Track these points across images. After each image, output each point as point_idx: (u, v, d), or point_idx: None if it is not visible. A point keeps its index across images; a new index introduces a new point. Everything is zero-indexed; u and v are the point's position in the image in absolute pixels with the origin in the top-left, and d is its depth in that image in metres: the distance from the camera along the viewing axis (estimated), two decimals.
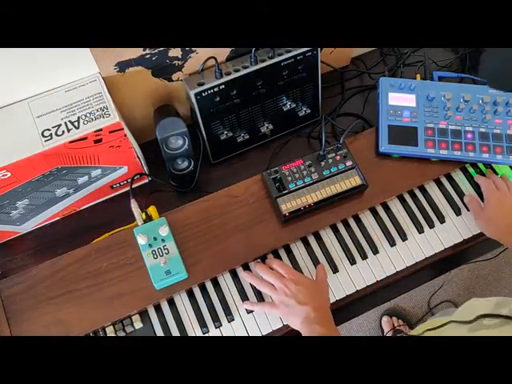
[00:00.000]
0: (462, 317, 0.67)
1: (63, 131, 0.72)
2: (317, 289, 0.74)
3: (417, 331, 0.77)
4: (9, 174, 0.71)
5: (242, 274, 0.80)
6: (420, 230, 0.86)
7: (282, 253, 0.83)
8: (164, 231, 0.76)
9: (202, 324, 0.78)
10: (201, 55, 0.81)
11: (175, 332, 0.77)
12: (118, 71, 0.77)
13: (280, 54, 0.84)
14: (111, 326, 0.76)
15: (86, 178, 0.82)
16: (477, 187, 0.89)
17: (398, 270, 0.83)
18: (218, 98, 0.83)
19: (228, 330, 0.78)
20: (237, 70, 0.82)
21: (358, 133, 0.92)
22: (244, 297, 0.80)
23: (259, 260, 0.82)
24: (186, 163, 0.89)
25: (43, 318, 0.74)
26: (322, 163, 0.84)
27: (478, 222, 0.84)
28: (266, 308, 0.77)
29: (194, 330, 0.78)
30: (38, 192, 0.79)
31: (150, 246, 0.76)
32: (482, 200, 0.86)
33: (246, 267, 0.82)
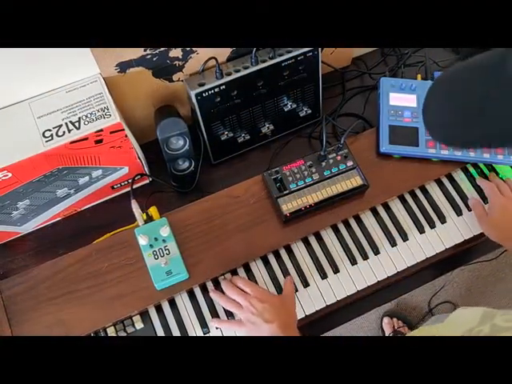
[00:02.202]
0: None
1: (64, 132, 0.72)
2: (282, 305, 0.73)
3: None
4: (10, 175, 0.71)
5: (211, 295, 0.78)
6: (421, 230, 0.86)
7: (283, 253, 0.83)
8: (165, 232, 0.77)
9: (203, 324, 0.78)
10: (201, 56, 0.81)
11: (176, 332, 0.78)
12: (118, 72, 0.77)
13: (281, 55, 0.84)
14: (112, 327, 0.76)
15: (86, 178, 0.82)
16: (478, 188, 0.89)
17: (398, 270, 0.83)
18: (218, 99, 0.83)
19: (229, 330, 0.78)
20: (237, 71, 0.82)
21: (359, 133, 0.92)
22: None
23: (225, 277, 0.80)
24: (186, 164, 0.89)
25: (44, 319, 0.74)
26: (323, 163, 0.84)
27: (482, 226, 0.84)
28: (233, 326, 0.76)
29: (194, 330, 0.78)
30: (39, 192, 0.79)
31: (151, 246, 0.76)
32: (485, 202, 0.86)
33: (247, 267, 0.82)
